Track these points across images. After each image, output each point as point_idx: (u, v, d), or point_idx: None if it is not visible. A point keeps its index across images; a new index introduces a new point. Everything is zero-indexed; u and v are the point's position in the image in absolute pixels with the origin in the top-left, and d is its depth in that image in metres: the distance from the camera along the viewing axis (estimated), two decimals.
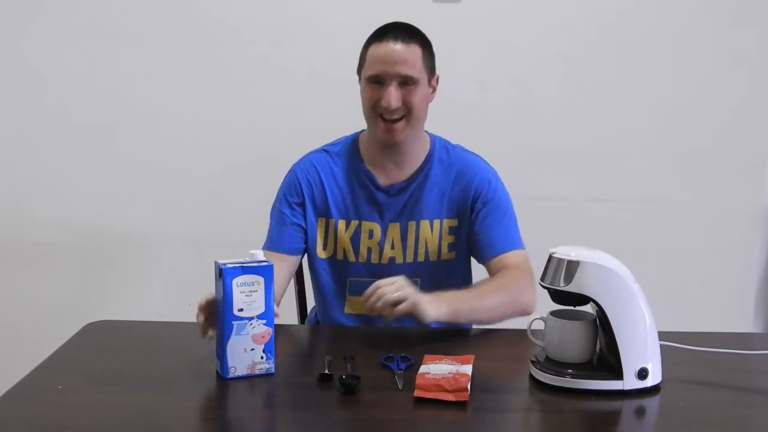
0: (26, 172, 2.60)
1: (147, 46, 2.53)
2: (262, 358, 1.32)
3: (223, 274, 1.28)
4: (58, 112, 2.56)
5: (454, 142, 1.80)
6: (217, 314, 1.32)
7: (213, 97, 2.54)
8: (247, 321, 1.30)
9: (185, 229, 2.56)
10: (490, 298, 1.56)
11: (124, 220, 2.60)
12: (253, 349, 1.31)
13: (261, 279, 1.30)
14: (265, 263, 1.31)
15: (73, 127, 2.57)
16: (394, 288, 1.45)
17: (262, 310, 1.31)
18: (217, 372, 1.32)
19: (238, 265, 1.29)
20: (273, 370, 1.33)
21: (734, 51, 2.53)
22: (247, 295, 1.29)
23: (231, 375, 1.30)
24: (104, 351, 1.47)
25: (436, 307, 1.48)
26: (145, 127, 2.56)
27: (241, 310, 1.29)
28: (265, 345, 1.32)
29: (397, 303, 1.44)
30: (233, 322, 1.29)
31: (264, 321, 1.31)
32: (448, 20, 2.48)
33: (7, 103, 2.56)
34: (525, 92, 2.55)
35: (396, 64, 1.60)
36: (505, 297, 1.57)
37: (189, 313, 2.56)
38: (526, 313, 1.57)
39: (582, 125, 2.57)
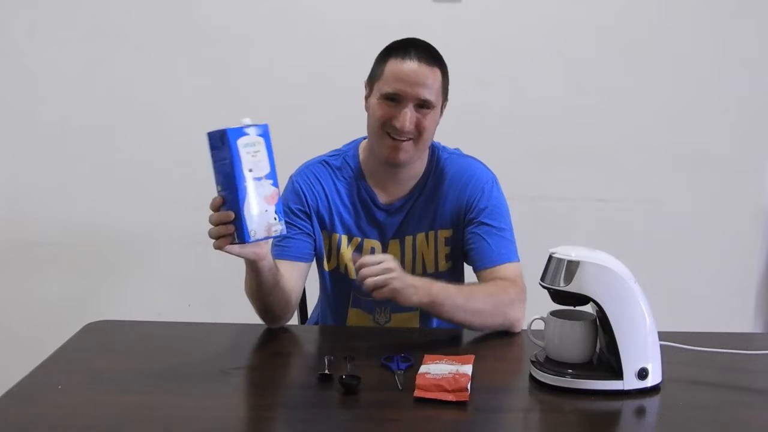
0: (26, 172, 2.60)
1: (147, 47, 2.53)
2: (275, 219, 1.33)
3: (227, 136, 1.29)
4: (58, 112, 2.56)
5: (454, 143, 1.79)
6: (223, 185, 1.33)
7: (213, 97, 2.53)
8: (257, 181, 1.31)
9: (185, 229, 2.56)
10: (478, 301, 1.52)
11: (124, 220, 2.60)
12: (266, 210, 1.32)
13: (261, 139, 1.32)
14: (261, 123, 1.33)
15: (73, 127, 2.57)
16: (378, 270, 1.43)
17: (267, 170, 1.32)
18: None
19: (239, 127, 1.31)
20: (285, 231, 1.36)
21: (734, 51, 2.54)
22: (252, 156, 1.31)
23: (253, 238, 1.31)
24: (104, 351, 1.48)
25: (418, 295, 1.45)
26: (145, 128, 2.56)
27: (250, 170, 1.30)
28: (276, 205, 1.33)
29: (378, 287, 1.42)
30: (245, 184, 1.30)
31: (271, 181, 1.33)
32: (448, 20, 2.48)
33: (8, 103, 2.56)
34: (525, 92, 2.55)
35: (417, 85, 1.55)
36: (492, 306, 1.52)
37: (189, 313, 2.58)
38: (512, 328, 1.54)
39: (582, 125, 2.57)
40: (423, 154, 1.68)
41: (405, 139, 1.58)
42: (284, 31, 2.52)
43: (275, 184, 1.34)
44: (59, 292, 2.61)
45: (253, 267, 1.45)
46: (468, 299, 1.52)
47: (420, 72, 1.56)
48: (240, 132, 1.30)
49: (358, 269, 1.45)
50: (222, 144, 1.30)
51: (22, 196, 2.61)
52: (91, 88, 2.54)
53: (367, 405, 1.23)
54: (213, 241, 1.35)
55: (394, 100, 1.57)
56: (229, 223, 1.32)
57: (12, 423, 1.15)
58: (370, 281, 1.42)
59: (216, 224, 1.33)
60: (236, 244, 1.34)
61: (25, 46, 2.53)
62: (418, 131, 1.58)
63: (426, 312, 1.54)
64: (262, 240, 1.35)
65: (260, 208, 1.32)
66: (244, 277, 1.51)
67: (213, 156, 1.34)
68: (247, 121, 1.33)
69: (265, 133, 1.33)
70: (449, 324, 1.55)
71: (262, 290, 1.49)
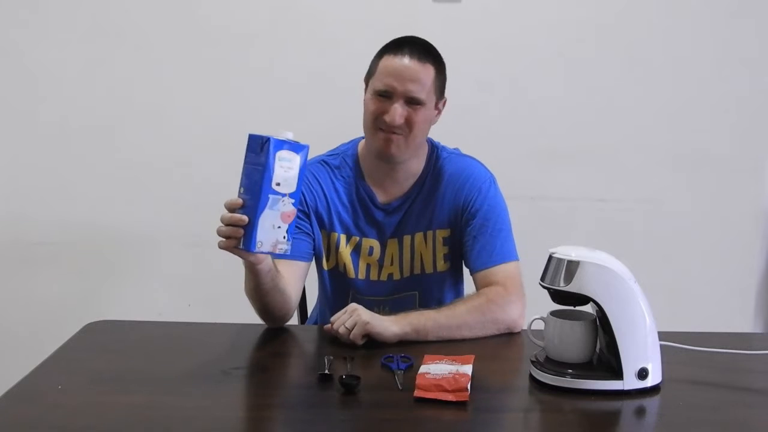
0: (26, 172, 2.60)
1: (147, 47, 2.53)
2: (284, 238, 1.34)
3: (269, 145, 1.29)
4: (58, 112, 2.56)
5: (454, 142, 1.79)
6: (247, 188, 1.32)
7: (213, 97, 2.53)
8: (280, 197, 1.31)
9: (185, 229, 2.56)
10: (462, 316, 1.52)
11: (124, 220, 2.60)
12: (279, 227, 1.32)
13: (297, 157, 1.32)
14: (305, 144, 1.33)
15: (73, 127, 2.57)
16: (345, 317, 1.46)
17: (293, 188, 1.33)
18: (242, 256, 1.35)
19: (282, 138, 1.30)
20: (289, 251, 1.36)
21: (734, 51, 2.54)
22: (285, 171, 1.31)
23: (257, 249, 1.32)
24: (104, 351, 1.47)
25: (398, 325, 1.47)
26: (145, 128, 2.56)
27: (278, 184, 1.30)
28: (289, 225, 1.34)
29: (350, 330, 1.44)
30: (269, 196, 1.30)
31: (293, 200, 1.33)
32: (448, 20, 2.48)
33: (8, 103, 2.56)
34: (525, 92, 2.55)
35: (407, 81, 1.57)
36: (479, 317, 1.52)
37: (189, 313, 2.58)
38: (511, 330, 1.54)
39: (582, 125, 2.57)
40: (418, 152, 1.69)
41: (395, 133, 1.60)
42: (284, 31, 2.52)
43: (296, 205, 1.34)
44: (59, 292, 2.61)
45: (251, 269, 1.45)
46: (450, 317, 1.52)
47: (410, 68, 1.57)
48: (282, 144, 1.30)
49: (331, 330, 1.48)
50: (261, 150, 1.30)
51: (22, 196, 2.60)
52: (91, 88, 2.54)
53: (367, 405, 1.23)
54: (217, 239, 1.34)
55: (385, 95, 1.58)
56: (239, 226, 1.32)
57: (12, 423, 1.15)
58: (341, 329, 1.45)
59: (227, 224, 1.33)
60: (240, 249, 1.34)
61: (25, 46, 2.53)
62: (409, 126, 1.59)
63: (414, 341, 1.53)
64: (265, 253, 1.36)
65: (274, 223, 1.32)
66: (244, 278, 1.51)
67: (247, 158, 1.33)
68: (290, 135, 1.33)
69: (303, 154, 1.33)
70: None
71: (260, 291, 1.50)
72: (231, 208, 1.33)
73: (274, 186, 1.30)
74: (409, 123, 1.59)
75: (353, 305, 1.49)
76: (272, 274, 1.48)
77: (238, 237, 1.32)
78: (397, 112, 1.57)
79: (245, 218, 1.31)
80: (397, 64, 1.58)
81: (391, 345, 1.45)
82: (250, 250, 1.32)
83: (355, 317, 1.45)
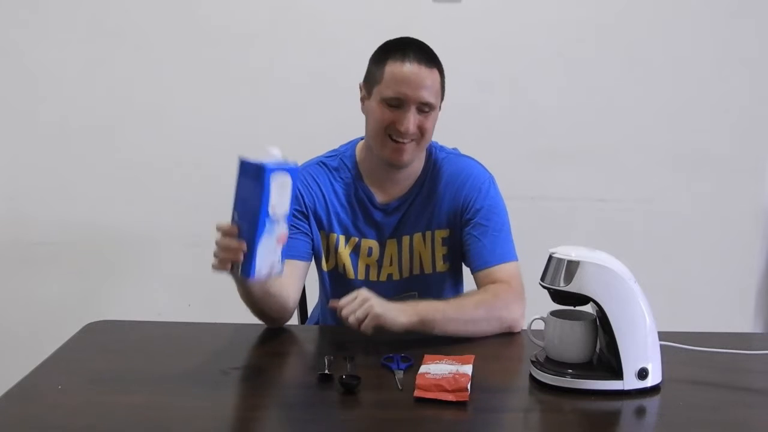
0: (26, 172, 2.60)
1: (147, 47, 2.53)
2: (278, 260, 1.33)
3: (265, 173, 1.24)
4: (58, 112, 2.56)
5: (454, 142, 1.79)
6: (243, 215, 1.29)
7: (213, 97, 2.53)
8: (276, 221, 1.28)
9: (185, 229, 2.56)
10: (470, 311, 1.52)
11: (124, 220, 2.60)
12: (275, 251, 1.31)
13: (290, 180, 1.29)
14: (294, 164, 1.30)
15: (73, 127, 2.56)
16: (356, 304, 1.43)
17: (286, 210, 1.30)
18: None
19: (275, 163, 1.26)
20: (282, 273, 1.35)
21: (734, 51, 2.54)
22: (280, 195, 1.27)
23: (257, 276, 1.30)
24: (104, 351, 1.48)
25: (406, 315, 1.45)
26: (145, 128, 2.56)
27: (273, 208, 1.27)
28: (282, 247, 1.33)
29: (362, 320, 1.41)
30: (266, 222, 1.27)
31: (286, 223, 1.31)
32: (447, 20, 2.48)
33: (8, 103, 2.56)
34: (525, 92, 2.55)
35: (419, 88, 1.55)
36: (485, 312, 1.52)
37: (189, 313, 2.58)
38: (512, 330, 1.54)
39: (582, 125, 2.57)
40: (422, 154, 1.69)
41: (408, 141, 1.59)
42: (284, 31, 2.51)
43: (287, 225, 1.32)
44: (59, 292, 2.61)
45: (240, 281, 1.44)
46: (458, 310, 1.51)
47: (421, 74, 1.56)
48: (276, 170, 1.26)
49: (340, 312, 1.45)
50: (256, 178, 1.25)
51: (22, 196, 2.60)
52: (91, 88, 2.54)
53: (367, 405, 1.23)
54: (213, 253, 1.33)
55: (396, 104, 1.57)
56: (238, 252, 1.30)
57: (12, 423, 1.15)
58: (351, 318, 1.42)
59: (225, 249, 1.31)
60: (239, 276, 1.32)
61: (25, 46, 2.53)
62: (421, 132, 1.59)
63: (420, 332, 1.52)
64: (262, 279, 1.34)
65: (271, 248, 1.30)
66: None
67: (240, 182, 1.29)
68: (277, 152, 1.28)
69: (294, 174, 1.29)
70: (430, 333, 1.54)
71: (252, 298, 1.50)
72: (227, 235, 1.31)
73: (270, 211, 1.27)
74: (421, 129, 1.58)
75: (365, 293, 1.45)
76: (260, 283, 1.46)
77: (237, 262, 1.31)
78: (411, 120, 1.56)
79: (245, 246, 1.29)
80: (407, 71, 1.56)
81: (391, 345, 1.45)
82: (250, 277, 1.30)
83: (366, 307, 1.42)
